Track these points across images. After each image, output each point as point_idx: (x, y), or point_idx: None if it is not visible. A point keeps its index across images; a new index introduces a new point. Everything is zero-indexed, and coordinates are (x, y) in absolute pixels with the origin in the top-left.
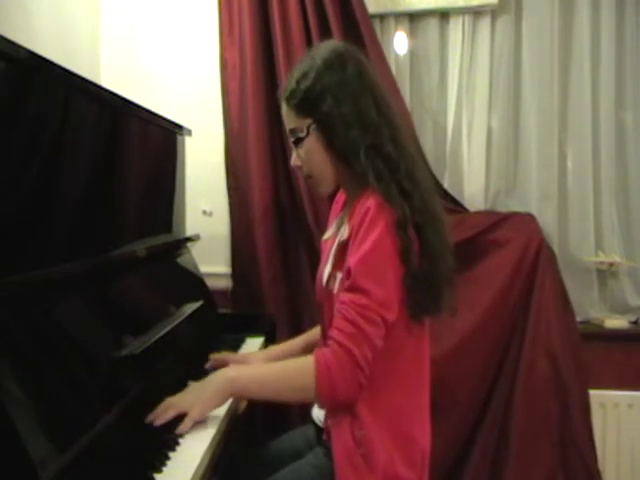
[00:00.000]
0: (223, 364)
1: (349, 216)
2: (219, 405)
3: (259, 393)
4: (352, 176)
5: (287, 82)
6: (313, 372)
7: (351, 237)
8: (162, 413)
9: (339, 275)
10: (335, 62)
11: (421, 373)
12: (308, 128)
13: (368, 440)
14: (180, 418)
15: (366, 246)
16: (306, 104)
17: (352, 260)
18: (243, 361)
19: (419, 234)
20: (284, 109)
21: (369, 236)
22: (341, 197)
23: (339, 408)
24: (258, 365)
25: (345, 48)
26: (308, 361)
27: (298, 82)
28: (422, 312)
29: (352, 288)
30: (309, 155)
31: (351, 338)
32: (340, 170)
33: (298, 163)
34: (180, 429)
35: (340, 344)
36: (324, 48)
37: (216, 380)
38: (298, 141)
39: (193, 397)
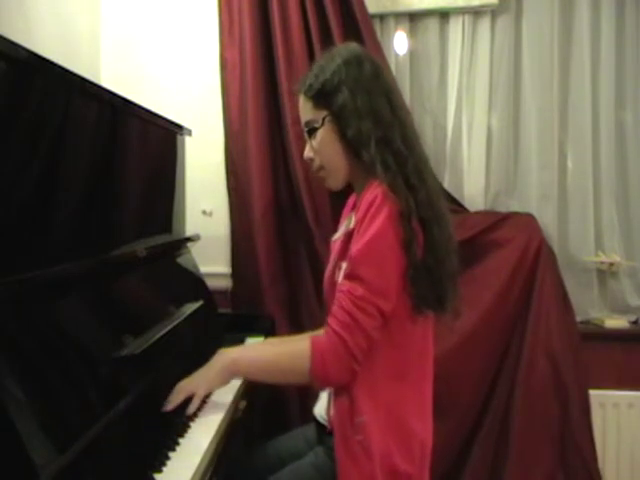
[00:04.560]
0: None
1: (357, 209)
2: (223, 384)
3: (257, 375)
4: (361, 169)
5: (305, 76)
6: (308, 357)
7: (356, 226)
8: (173, 398)
9: (344, 265)
10: (353, 61)
11: (424, 366)
12: (323, 119)
13: (365, 427)
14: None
15: (368, 234)
16: (323, 96)
17: (354, 248)
18: None
19: (424, 228)
20: (301, 102)
21: (372, 225)
22: (351, 200)
23: (340, 394)
24: (258, 347)
25: (363, 51)
26: (304, 346)
27: (317, 76)
28: (425, 305)
29: (351, 276)
30: (322, 146)
31: (345, 327)
32: (350, 162)
33: (311, 155)
34: (189, 409)
35: (335, 332)
36: (343, 49)
37: (219, 361)
38: (312, 132)
39: (199, 378)
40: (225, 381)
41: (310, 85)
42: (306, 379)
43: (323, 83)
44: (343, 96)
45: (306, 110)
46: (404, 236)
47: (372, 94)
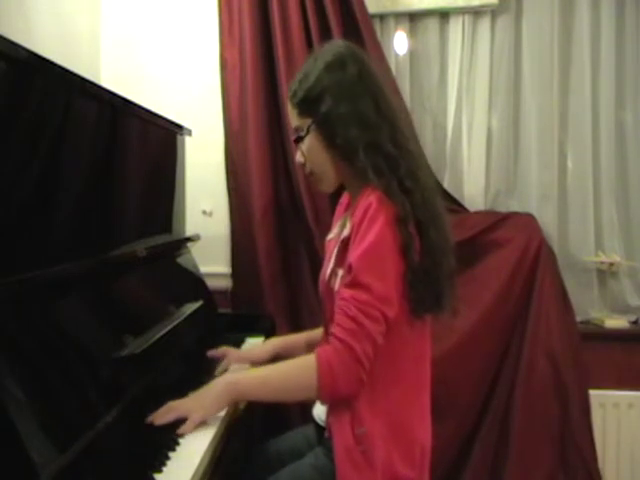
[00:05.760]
0: (222, 356)
1: (352, 214)
2: (220, 410)
3: (261, 395)
4: (354, 174)
5: (292, 82)
6: (315, 370)
7: (352, 233)
8: (162, 415)
9: (340, 272)
10: (335, 64)
11: (422, 371)
12: (308, 128)
13: (368, 437)
14: (181, 420)
15: (367, 241)
16: (306, 104)
17: (353, 255)
18: (243, 355)
19: (420, 231)
20: (289, 108)
21: (370, 231)
22: (345, 199)
23: (340, 403)
24: (258, 368)
25: (347, 50)
26: (309, 359)
27: (300, 82)
28: (423, 309)
29: (353, 284)
30: (310, 153)
31: (352, 334)
32: (341, 168)
33: (302, 160)
34: (181, 430)
35: (341, 340)
36: (326, 50)
37: (217, 386)
38: (299, 139)
39: (194, 402)
40: (222, 407)
41: (294, 92)
42: (313, 393)
43: (306, 91)
44: (326, 104)
45: (293, 117)
46: (402, 241)
47: (356, 98)
